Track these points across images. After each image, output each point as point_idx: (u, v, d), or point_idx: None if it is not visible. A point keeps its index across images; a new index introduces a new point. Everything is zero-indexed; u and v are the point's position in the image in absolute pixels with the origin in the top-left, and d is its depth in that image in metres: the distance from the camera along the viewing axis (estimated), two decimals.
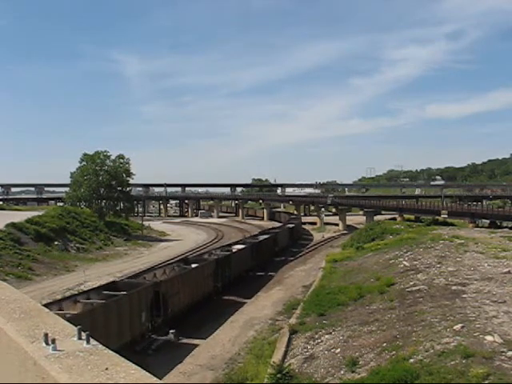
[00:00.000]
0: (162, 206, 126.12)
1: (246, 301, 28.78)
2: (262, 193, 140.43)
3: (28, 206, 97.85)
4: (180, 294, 23.62)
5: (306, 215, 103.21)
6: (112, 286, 22.40)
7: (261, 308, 27.06)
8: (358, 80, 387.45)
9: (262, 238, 44.92)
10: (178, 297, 23.34)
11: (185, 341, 21.31)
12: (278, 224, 74.66)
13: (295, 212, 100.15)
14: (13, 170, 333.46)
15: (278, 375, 13.72)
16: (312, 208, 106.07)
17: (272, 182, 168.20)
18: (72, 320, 13.81)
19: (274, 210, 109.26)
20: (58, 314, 11.81)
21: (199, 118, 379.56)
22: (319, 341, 16.76)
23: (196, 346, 20.73)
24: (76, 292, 25.88)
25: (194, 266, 28.01)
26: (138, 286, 21.38)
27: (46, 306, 18.99)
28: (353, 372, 13.40)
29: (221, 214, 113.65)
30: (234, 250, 35.34)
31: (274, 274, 37.83)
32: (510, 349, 11.94)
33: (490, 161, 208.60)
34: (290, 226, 61.18)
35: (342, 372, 13.69)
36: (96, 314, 17.11)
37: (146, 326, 20.65)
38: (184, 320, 23.42)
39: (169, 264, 31.01)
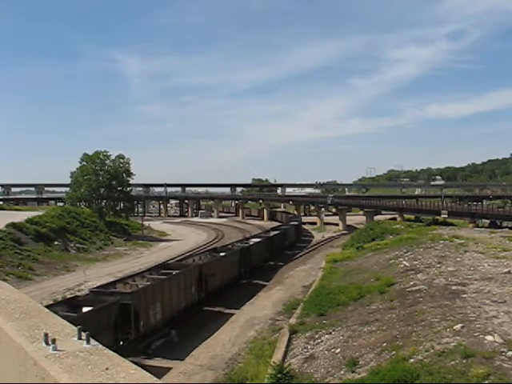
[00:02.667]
0: (162, 206, 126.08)
1: (266, 283, 34.03)
2: (261, 193, 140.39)
3: (28, 205, 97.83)
4: (216, 276, 28.46)
5: (306, 215, 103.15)
6: (165, 265, 28.55)
7: (261, 308, 27.07)
8: (357, 80, 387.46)
9: (273, 233, 49.16)
10: (214, 277, 28.14)
11: (226, 311, 26.36)
12: (277, 224, 74.68)
13: (295, 212, 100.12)
14: (13, 170, 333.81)
15: (279, 375, 13.72)
16: (312, 208, 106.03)
17: (272, 182, 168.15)
18: (149, 288, 20.49)
19: (274, 210, 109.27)
20: (132, 285, 17.55)
21: (199, 118, 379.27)
22: (319, 341, 16.76)
23: (233, 314, 25.67)
24: (77, 292, 26.75)
25: (221, 254, 32.73)
26: (187, 267, 26.76)
27: (122, 279, 23.57)
28: (353, 372, 13.40)
29: (221, 214, 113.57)
30: (251, 243, 39.93)
31: (286, 264, 42.32)
32: (511, 349, 11.94)
33: (489, 161, 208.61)
34: (295, 223, 64.55)
35: (342, 372, 13.69)
36: (164, 285, 22.20)
37: (195, 297, 25.54)
38: (220, 295, 28.54)
39: (202, 252, 36.49)
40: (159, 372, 17.00)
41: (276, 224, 75.39)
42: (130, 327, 18.72)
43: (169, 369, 18.18)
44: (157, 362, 18.76)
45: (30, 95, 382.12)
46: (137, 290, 20.87)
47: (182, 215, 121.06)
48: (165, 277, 23.85)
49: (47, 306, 19.71)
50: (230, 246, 37.99)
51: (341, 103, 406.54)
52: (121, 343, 18.28)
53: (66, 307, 17.79)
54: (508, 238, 32.41)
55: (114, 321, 17.89)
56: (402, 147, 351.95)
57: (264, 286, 33.14)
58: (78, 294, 25.34)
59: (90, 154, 67.99)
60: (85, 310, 17.68)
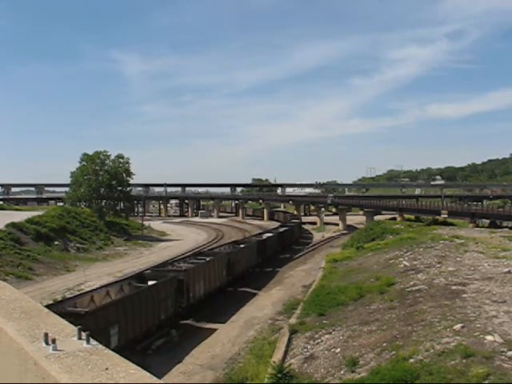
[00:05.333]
0: (161, 206, 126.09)
1: (278, 269, 39.48)
2: (262, 193, 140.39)
3: (28, 205, 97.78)
4: (240, 262, 33.58)
5: (306, 215, 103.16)
6: (200, 252, 34.94)
7: (261, 308, 27.06)
8: (358, 80, 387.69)
9: (282, 229, 54.72)
10: (239, 264, 33.23)
11: (248, 289, 31.57)
12: (278, 224, 74.75)
13: (295, 212, 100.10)
14: (13, 170, 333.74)
15: (279, 375, 13.71)
16: (312, 208, 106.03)
17: (272, 181, 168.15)
18: (196, 268, 26.54)
19: (274, 209, 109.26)
20: (178, 267, 22.93)
21: (199, 118, 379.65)
22: (319, 341, 16.75)
23: (256, 294, 30.52)
24: (77, 292, 27.09)
25: (242, 246, 37.61)
26: (218, 254, 32.11)
27: (168, 263, 32.24)
28: (353, 372, 13.39)
29: (221, 214, 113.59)
30: (264, 237, 45.17)
31: (296, 256, 47.26)
32: (511, 349, 11.93)
33: (490, 161, 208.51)
34: (298, 221, 69.51)
35: (342, 372, 13.68)
36: (205, 267, 27.35)
37: (226, 279, 30.52)
38: (243, 279, 33.76)
39: (224, 245, 41.42)
40: (207, 333, 22.39)
41: (276, 224, 75.47)
42: (183, 297, 23.67)
43: (215, 330, 22.83)
44: (204, 325, 23.75)
45: (30, 95, 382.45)
46: (188, 268, 25.95)
47: (182, 215, 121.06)
48: (203, 261, 28.73)
49: (122, 280, 24.51)
50: (247, 240, 43.96)
51: (341, 103, 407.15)
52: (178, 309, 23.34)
53: (136, 280, 23.39)
54: (508, 238, 32.41)
55: (174, 291, 22.72)
56: (402, 147, 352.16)
57: (277, 271, 38.82)
58: (78, 293, 25.62)
59: (90, 153, 68.02)
60: (150, 283, 22.27)
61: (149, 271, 26.10)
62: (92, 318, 15.93)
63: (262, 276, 36.96)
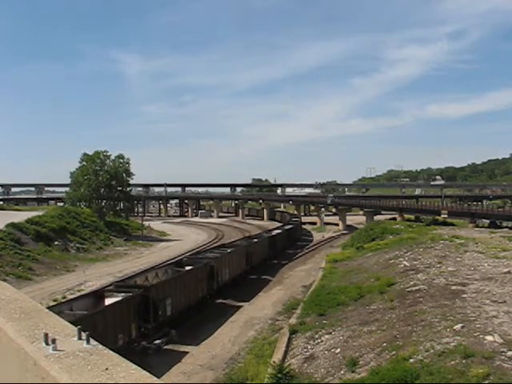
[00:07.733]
0: (162, 206, 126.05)
1: (286, 262, 43.87)
2: (262, 193, 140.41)
3: (28, 206, 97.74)
4: (257, 254, 38.62)
5: (306, 215, 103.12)
6: (223, 245, 40.51)
7: (261, 308, 27.06)
8: (358, 80, 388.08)
9: (288, 227, 59.56)
10: (256, 255, 38.20)
11: (265, 277, 36.46)
12: (278, 224, 74.79)
13: (295, 212, 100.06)
14: (13, 170, 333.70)
15: (279, 375, 13.70)
16: (312, 208, 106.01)
17: (272, 182, 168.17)
18: (221, 257, 31.69)
19: (274, 209, 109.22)
20: (209, 254, 35.18)
21: (200, 118, 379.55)
22: (319, 341, 16.75)
23: (270, 281, 35.16)
24: (77, 292, 27.54)
25: (255, 240, 42.38)
26: (238, 246, 36.79)
27: (199, 252, 40.40)
28: (353, 372, 13.39)
29: (221, 214, 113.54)
30: (274, 233, 49.99)
31: (302, 251, 50.97)
32: (510, 349, 11.93)
33: (489, 161, 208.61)
34: (298, 221, 71.57)
35: (342, 372, 13.68)
36: (228, 257, 31.68)
37: (245, 268, 34.99)
38: (260, 268, 38.76)
39: (239, 239, 46.59)
40: (233, 310, 26.64)
41: (276, 224, 75.49)
42: (213, 281, 27.79)
43: (239, 307, 27.16)
44: (229, 302, 28.30)
45: (31, 95, 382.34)
46: (217, 257, 30.40)
47: (182, 215, 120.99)
48: (226, 252, 32.79)
49: (165, 264, 30.74)
50: (259, 235, 49.18)
51: (341, 103, 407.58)
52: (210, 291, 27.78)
53: (175, 266, 28.46)
54: (508, 238, 32.39)
55: (207, 276, 26.92)
56: (402, 147, 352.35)
57: (285, 264, 42.83)
58: (78, 294, 25.85)
59: (90, 154, 67.99)
60: (187, 268, 26.80)
61: (185, 258, 31.82)
62: (155, 290, 20.98)
63: (274, 267, 41.07)
